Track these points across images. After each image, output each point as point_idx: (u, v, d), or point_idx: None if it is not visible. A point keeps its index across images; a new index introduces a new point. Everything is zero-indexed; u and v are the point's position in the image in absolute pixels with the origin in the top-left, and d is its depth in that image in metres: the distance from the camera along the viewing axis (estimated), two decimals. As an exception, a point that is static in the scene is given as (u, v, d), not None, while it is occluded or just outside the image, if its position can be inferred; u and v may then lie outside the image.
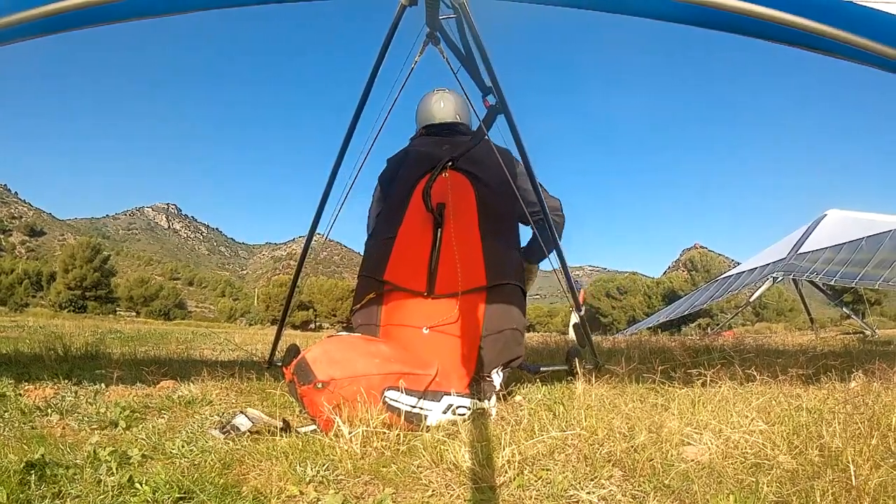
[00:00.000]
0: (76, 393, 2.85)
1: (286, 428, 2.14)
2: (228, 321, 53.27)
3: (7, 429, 2.10)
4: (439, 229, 2.91)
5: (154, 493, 1.42)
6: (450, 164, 3.11)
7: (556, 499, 1.49)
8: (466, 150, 3.14)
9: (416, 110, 3.61)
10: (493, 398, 2.62)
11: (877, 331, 14.99)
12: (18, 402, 2.52)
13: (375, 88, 3.22)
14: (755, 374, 2.61)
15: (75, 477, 1.56)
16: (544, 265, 3.56)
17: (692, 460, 1.73)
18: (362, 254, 3.33)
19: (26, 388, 2.94)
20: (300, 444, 1.93)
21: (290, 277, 4.25)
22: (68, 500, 1.43)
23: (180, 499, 1.44)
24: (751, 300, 17.54)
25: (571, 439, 1.93)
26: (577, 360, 3.25)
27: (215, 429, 2.14)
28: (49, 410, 2.41)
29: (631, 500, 1.49)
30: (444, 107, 3.46)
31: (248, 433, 2.09)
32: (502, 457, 1.74)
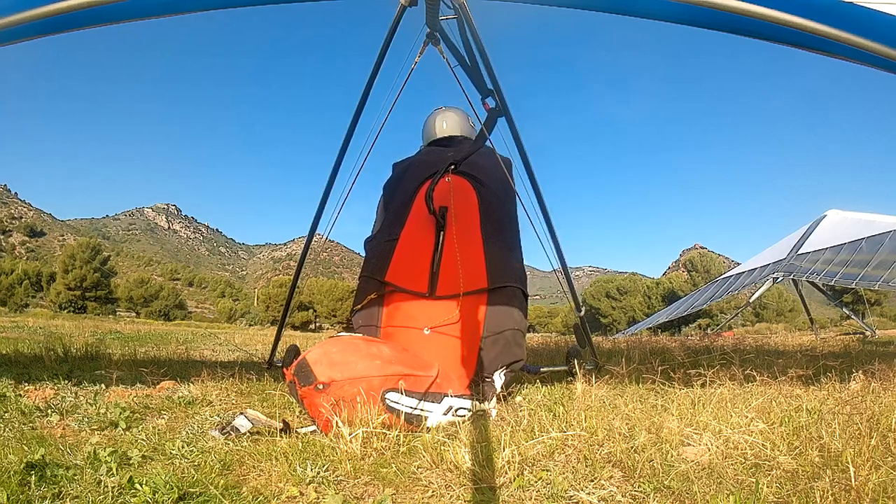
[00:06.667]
0: (76, 394, 2.85)
1: (286, 429, 2.14)
2: (228, 322, 53.19)
3: (7, 429, 2.09)
4: (441, 232, 2.91)
5: (154, 494, 1.42)
6: (452, 167, 3.13)
7: (555, 499, 1.49)
8: (468, 154, 3.17)
9: (422, 129, 3.70)
10: (493, 399, 2.63)
11: (876, 331, 15.00)
12: (18, 403, 2.52)
13: (375, 88, 3.23)
14: (755, 374, 2.61)
15: (75, 477, 1.56)
16: (544, 266, 3.59)
17: (692, 461, 1.73)
18: (362, 255, 3.34)
19: (26, 388, 2.94)
20: (300, 445, 1.93)
21: (290, 278, 4.25)
22: (68, 500, 1.42)
23: (180, 499, 1.44)
24: (751, 301, 17.53)
25: (571, 440, 1.93)
26: (576, 360, 3.26)
27: (215, 430, 2.14)
28: (49, 411, 2.41)
29: (631, 500, 1.49)
30: (446, 126, 3.57)
31: (248, 434, 2.09)
32: (502, 458, 1.74)
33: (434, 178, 3.04)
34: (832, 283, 12.10)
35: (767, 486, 1.52)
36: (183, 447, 1.88)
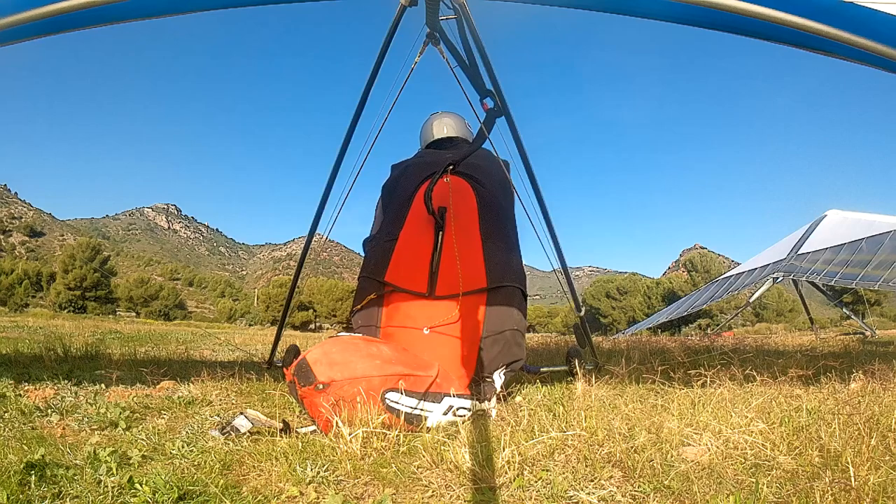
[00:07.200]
0: (76, 393, 2.85)
1: (286, 429, 2.14)
2: (228, 322, 53.17)
3: (7, 429, 2.10)
4: (440, 232, 2.91)
5: (154, 494, 1.42)
6: (451, 168, 3.13)
7: (555, 499, 1.49)
8: (468, 154, 3.17)
9: (419, 133, 3.73)
10: (493, 399, 2.63)
11: (876, 331, 14.99)
12: (18, 403, 2.52)
13: (375, 88, 3.24)
14: (755, 374, 2.61)
15: (75, 477, 1.56)
16: (544, 266, 3.61)
17: (692, 461, 1.73)
18: (362, 255, 3.34)
19: (26, 388, 2.94)
20: (300, 445, 1.93)
21: (290, 278, 4.25)
22: (68, 500, 1.42)
23: (180, 499, 1.44)
24: (751, 301, 17.52)
25: (571, 440, 1.93)
26: (576, 360, 3.26)
27: (215, 430, 2.14)
28: (49, 411, 2.41)
29: (631, 500, 1.49)
30: (445, 129, 3.60)
31: (248, 434, 2.09)
32: (502, 457, 1.74)
33: (433, 179, 3.04)
34: (832, 283, 12.10)
35: (767, 486, 1.52)
36: (183, 447, 1.88)
